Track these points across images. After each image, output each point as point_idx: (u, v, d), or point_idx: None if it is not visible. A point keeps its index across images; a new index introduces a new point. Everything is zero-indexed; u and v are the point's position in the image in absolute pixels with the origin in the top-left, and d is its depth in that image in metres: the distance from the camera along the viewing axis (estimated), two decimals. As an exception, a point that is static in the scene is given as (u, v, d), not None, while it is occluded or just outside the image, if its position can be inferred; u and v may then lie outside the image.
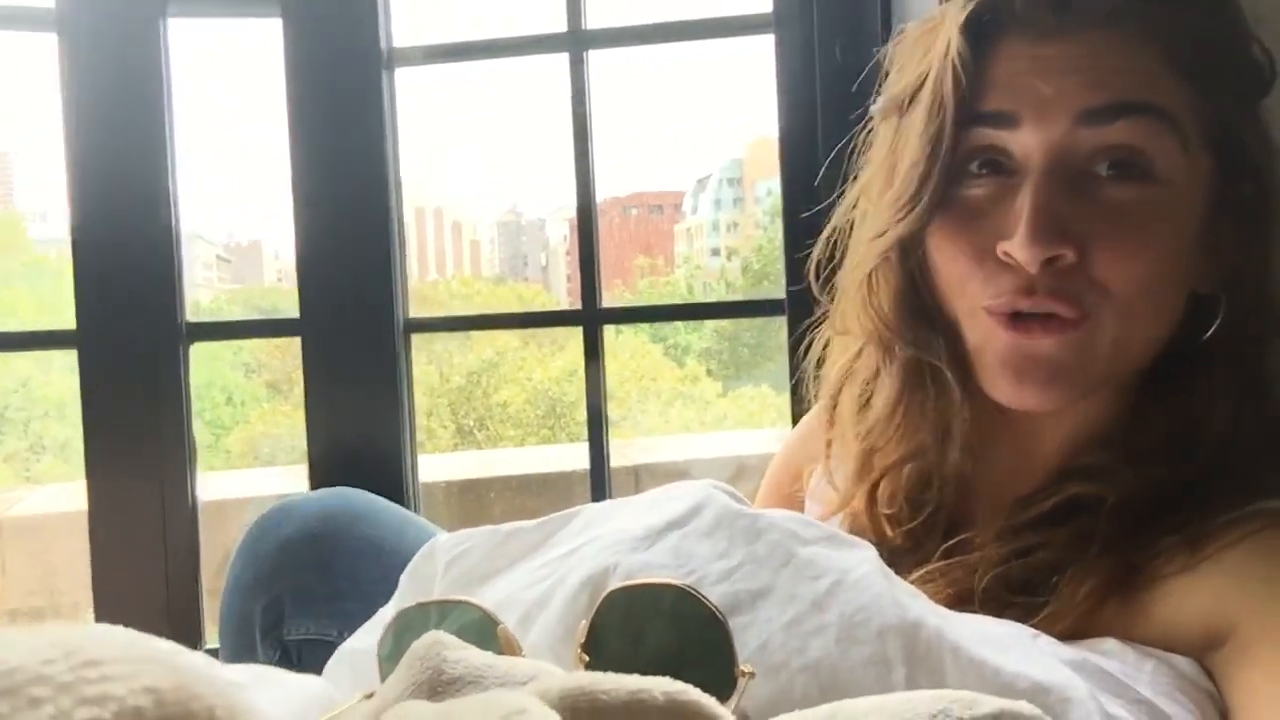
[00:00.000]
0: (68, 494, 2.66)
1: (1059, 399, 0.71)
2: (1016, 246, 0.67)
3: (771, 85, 1.41)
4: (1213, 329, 0.71)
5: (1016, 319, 0.70)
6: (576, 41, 1.45)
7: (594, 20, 1.47)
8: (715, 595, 0.50)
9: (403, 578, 0.69)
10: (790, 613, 0.53)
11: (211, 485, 1.65)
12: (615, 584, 0.51)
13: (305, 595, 1.06)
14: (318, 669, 1.06)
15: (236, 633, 1.10)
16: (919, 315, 0.77)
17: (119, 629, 0.23)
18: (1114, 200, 0.68)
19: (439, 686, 0.39)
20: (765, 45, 1.42)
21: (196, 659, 0.24)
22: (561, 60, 1.47)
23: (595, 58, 1.47)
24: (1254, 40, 0.73)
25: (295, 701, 0.55)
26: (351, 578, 1.05)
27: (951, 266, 0.73)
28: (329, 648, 0.99)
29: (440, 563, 0.66)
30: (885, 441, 0.80)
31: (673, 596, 0.49)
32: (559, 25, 1.47)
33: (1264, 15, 0.73)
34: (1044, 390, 0.71)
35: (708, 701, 0.34)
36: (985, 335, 0.72)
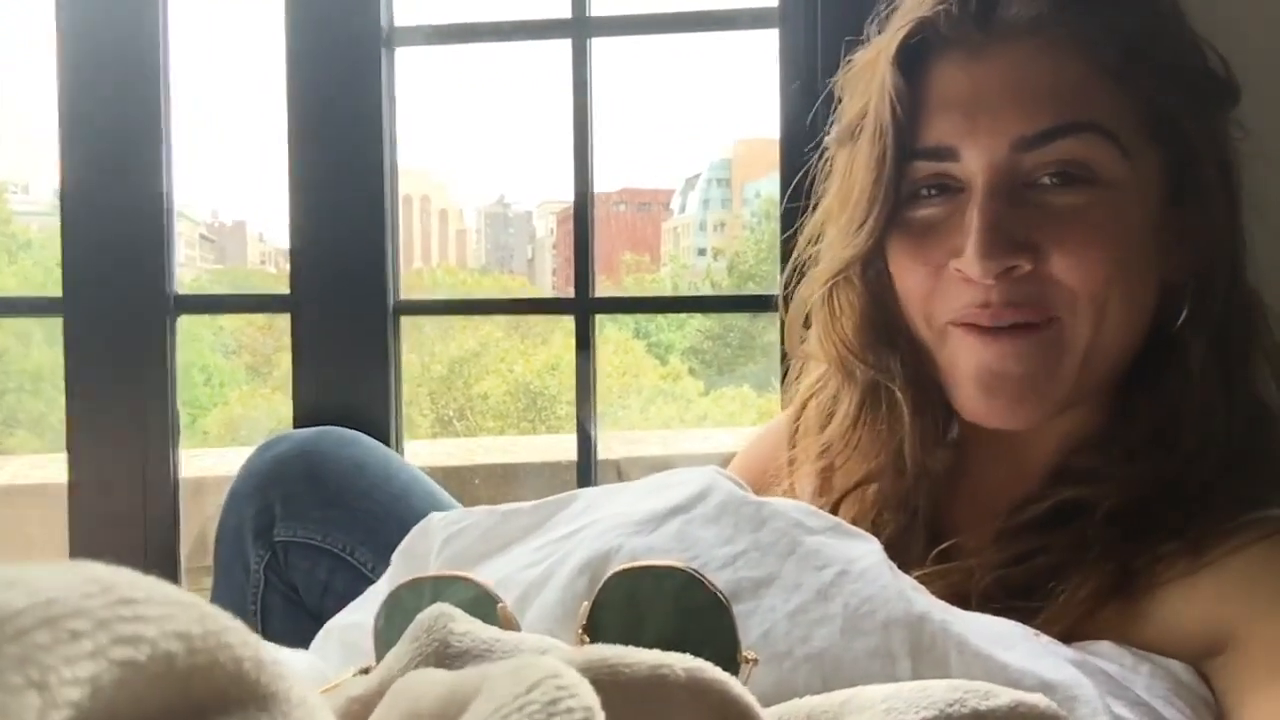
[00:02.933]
0: (42, 465, 2.63)
1: (1031, 416, 0.72)
2: (967, 263, 0.69)
3: (764, 85, 1.41)
4: (1183, 317, 0.72)
5: (983, 330, 0.72)
6: (581, 28, 1.44)
7: (598, 8, 1.46)
8: (719, 582, 0.49)
9: (396, 554, 0.69)
10: (795, 601, 0.52)
11: (190, 462, 1.63)
12: (618, 566, 0.50)
13: (294, 501, 1.16)
14: (301, 570, 1.15)
15: (231, 538, 1.20)
16: (881, 339, 0.79)
17: (141, 575, 0.22)
18: (1062, 206, 0.70)
19: (445, 660, 0.38)
20: (760, 45, 1.41)
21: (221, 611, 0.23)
22: (558, 50, 1.45)
23: (596, 49, 1.46)
24: (1201, 46, 0.74)
25: None
26: (337, 489, 1.17)
27: (910, 284, 0.75)
28: (314, 550, 1.15)
29: (436, 540, 0.65)
30: (843, 461, 0.82)
31: (677, 580, 0.48)
32: (563, 12, 1.46)
33: (1228, 27, 0.75)
34: (1014, 408, 0.72)
35: (727, 679, 0.34)
36: (954, 353, 0.74)
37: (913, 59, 0.73)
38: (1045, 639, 0.60)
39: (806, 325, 0.85)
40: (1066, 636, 0.65)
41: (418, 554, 0.66)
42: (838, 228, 0.79)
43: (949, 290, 0.73)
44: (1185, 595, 0.66)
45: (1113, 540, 0.69)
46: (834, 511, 0.81)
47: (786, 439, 0.91)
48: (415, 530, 0.68)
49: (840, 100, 0.82)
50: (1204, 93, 0.73)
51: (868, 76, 0.77)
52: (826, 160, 0.83)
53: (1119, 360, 0.74)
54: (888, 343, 0.79)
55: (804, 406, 0.89)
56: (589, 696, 0.26)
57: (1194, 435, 0.70)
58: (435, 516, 0.68)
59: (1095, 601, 0.68)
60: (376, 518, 1.15)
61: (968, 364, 0.73)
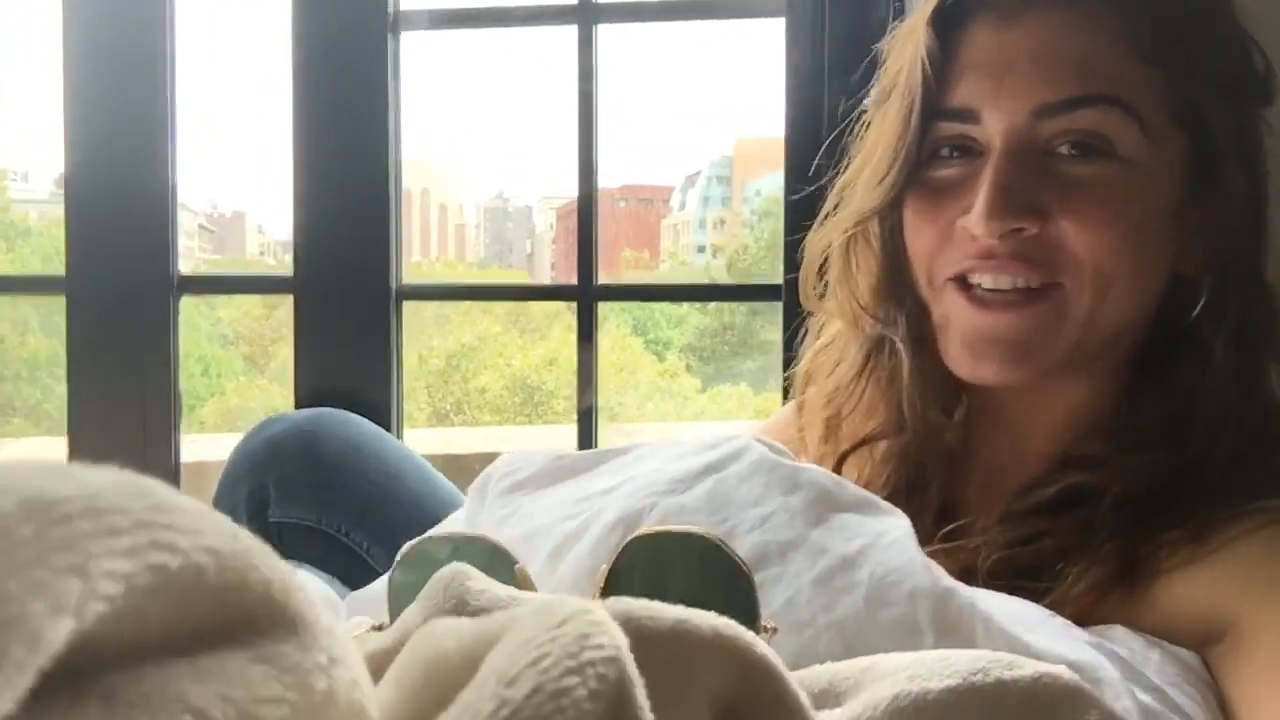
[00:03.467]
0: (39, 450, 2.62)
1: (1019, 375, 0.73)
2: (974, 221, 0.70)
3: (765, 84, 1.40)
4: (1197, 310, 0.72)
5: (978, 297, 0.72)
6: (586, 14, 1.44)
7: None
8: (747, 544, 0.49)
9: (470, 491, 0.71)
10: (820, 567, 0.52)
11: (190, 447, 1.62)
12: (646, 526, 0.50)
13: (289, 483, 1.15)
14: (300, 553, 1.14)
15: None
16: (891, 295, 0.80)
17: (174, 489, 0.21)
18: (1076, 175, 0.70)
19: (463, 617, 0.37)
20: (762, 42, 1.41)
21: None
22: (563, 41, 1.45)
23: (600, 39, 1.45)
24: (1244, 42, 0.74)
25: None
26: (332, 469, 1.16)
27: (918, 241, 0.76)
28: (309, 532, 1.15)
29: (495, 475, 0.68)
30: (849, 410, 0.83)
31: (698, 546, 0.48)
32: (569, -1, 1.45)
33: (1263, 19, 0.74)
34: (1002, 367, 0.72)
35: (752, 637, 0.33)
36: (947, 311, 0.75)
37: (950, 21, 0.74)
38: (1063, 621, 0.60)
39: (820, 275, 0.86)
40: (1075, 622, 0.65)
41: (480, 492, 0.69)
42: (859, 183, 0.80)
43: (954, 248, 0.74)
44: (1186, 583, 0.66)
45: (1119, 526, 0.69)
46: (839, 464, 0.82)
47: (794, 408, 0.92)
48: (486, 470, 0.70)
49: (883, 64, 0.82)
50: (1238, 88, 0.73)
51: (907, 39, 0.78)
52: (864, 122, 0.84)
53: (1120, 337, 0.74)
54: (897, 301, 0.80)
55: (815, 357, 0.90)
56: (619, 636, 0.25)
57: (1207, 429, 0.70)
58: (505, 455, 0.70)
59: (1102, 588, 0.68)
60: (372, 499, 1.15)
61: (959, 325, 0.74)
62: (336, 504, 1.15)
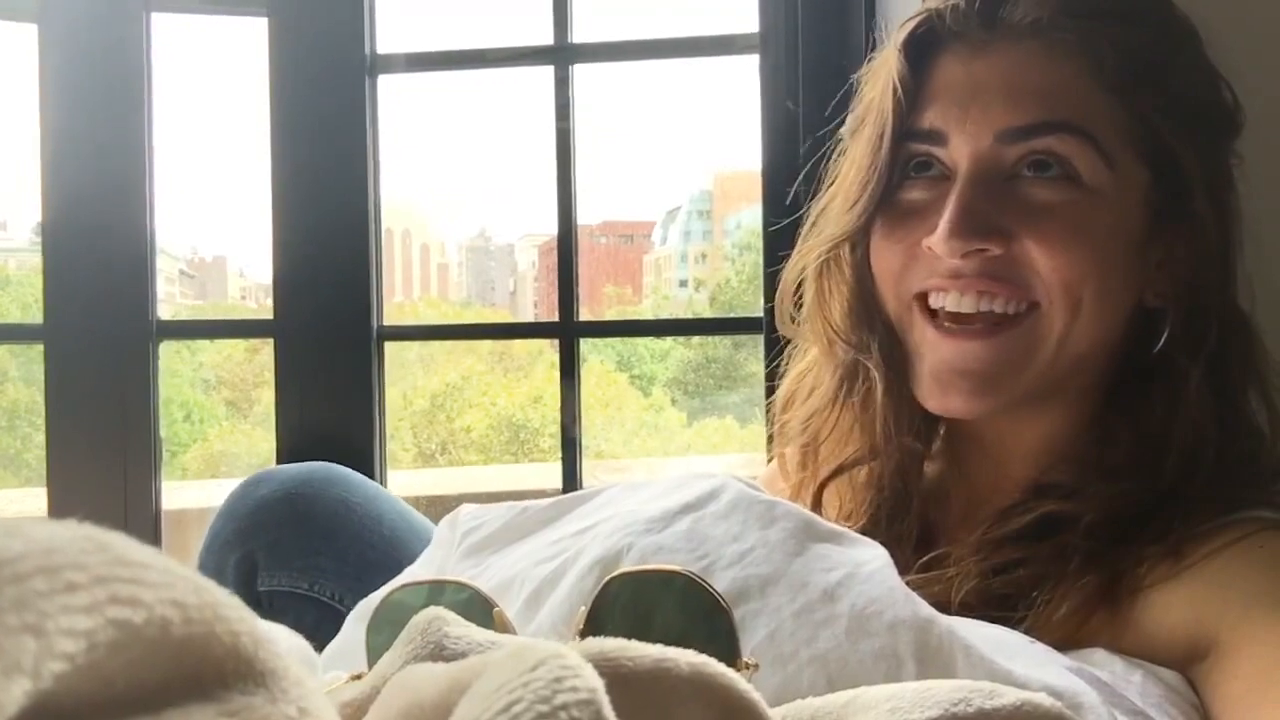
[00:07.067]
0: (19, 500, 2.59)
1: (986, 407, 0.74)
2: (937, 241, 0.71)
3: (742, 119, 1.42)
4: (1162, 342, 0.73)
5: (945, 327, 0.73)
6: (563, 54, 1.45)
7: (580, 35, 1.46)
8: (726, 580, 0.49)
9: (430, 546, 0.70)
10: (801, 600, 0.52)
11: (171, 495, 1.61)
12: (624, 567, 0.50)
13: (279, 549, 1.09)
14: (287, 619, 1.08)
15: None
16: (863, 320, 0.81)
17: (136, 542, 0.21)
18: (1040, 199, 0.71)
19: (441, 661, 0.37)
20: (738, 79, 1.42)
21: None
22: (541, 80, 1.46)
23: (577, 79, 1.46)
24: (1214, 78, 0.75)
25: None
26: (325, 533, 1.10)
27: (885, 261, 0.77)
28: (300, 599, 1.09)
29: (459, 532, 0.67)
30: (826, 436, 0.83)
31: (677, 584, 0.48)
32: (545, 39, 1.46)
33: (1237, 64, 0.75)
34: (970, 399, 0.73)
35: (732, 675, 0.33)
36: (919, 340, 0.76)
37: (921, 50, 0.76)
38: (1042, 647, 0.60)
39: (796, 305, 0.87)
40: (1056, 646, 0.65)
41: (444, 543, 0.68)
42: (831, 209, 0.82)
43: (920, 267, 0.75)
44: (1166, 600, 0.66)
45: (1094, 551, 0.69)
46: (819, 493, 0.83)
47: (777, 454, 0.91)
48: (445, 520, 0.69)
49: (859, 92, 0.84)
50: (1204, 121, 0.75)
51: (881, 67, 0.80)
52: (840, 150, 0.85)
53: (1088, 364, 0.75)
54: (868, 325, 0.81)
55: (793, 383, 0.90)
56: (593, 678, 0.25)
57: (1185, 457, 0.71)
58: (465, 508, 0.69)
59: (1086, 609, 0.68)
60: (366, 561, 1.10)
61: (929, 357, 0.75)
62: (329, 570, 1.10)
